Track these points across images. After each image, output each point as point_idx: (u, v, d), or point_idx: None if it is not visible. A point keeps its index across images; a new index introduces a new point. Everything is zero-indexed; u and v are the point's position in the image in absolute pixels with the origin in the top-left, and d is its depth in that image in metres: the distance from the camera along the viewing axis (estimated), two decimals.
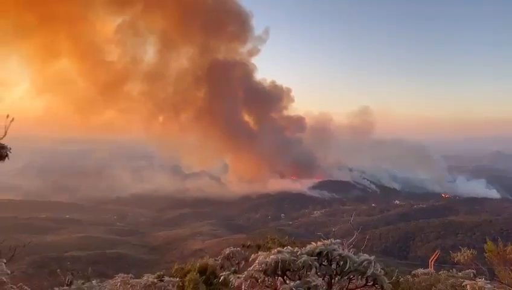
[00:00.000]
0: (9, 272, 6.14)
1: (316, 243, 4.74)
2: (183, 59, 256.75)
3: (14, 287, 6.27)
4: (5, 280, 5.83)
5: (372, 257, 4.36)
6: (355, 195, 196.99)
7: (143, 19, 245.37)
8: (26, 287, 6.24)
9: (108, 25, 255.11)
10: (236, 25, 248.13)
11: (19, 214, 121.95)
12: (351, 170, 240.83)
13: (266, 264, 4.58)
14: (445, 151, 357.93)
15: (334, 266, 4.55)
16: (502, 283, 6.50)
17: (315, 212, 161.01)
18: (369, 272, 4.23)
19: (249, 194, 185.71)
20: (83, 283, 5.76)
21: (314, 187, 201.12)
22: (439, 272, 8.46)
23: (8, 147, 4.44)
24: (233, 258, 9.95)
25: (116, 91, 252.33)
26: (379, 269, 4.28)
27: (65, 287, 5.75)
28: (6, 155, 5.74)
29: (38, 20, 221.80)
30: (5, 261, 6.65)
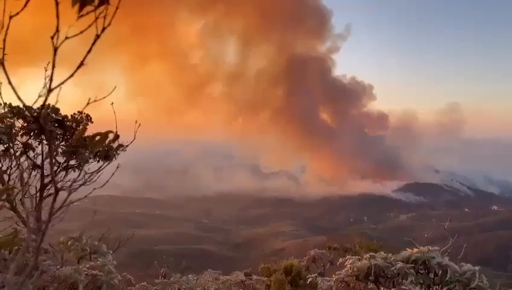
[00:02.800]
0: (115, 262, 6.76)
1: (412, 249, 4.52)
2: (262, 58, 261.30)
3: (119, 276, 6.89)
4: (112, 269, 6.44)
5: (477, 268, 4.04)
6: (445, 199, 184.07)
7: (224, 21, 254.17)
8: (129, 276, 6.84)
9: (192, 30, 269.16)
10: (316, 22, 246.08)
11: (117, 209, 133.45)
12: (438, 171, 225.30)
13: (359, 269, 4.48)
14: None
15: (432, 275, 4.30)
16: None
17: (401, 216, 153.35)
18: (473, 284, 3.93)
19: (329, 195, 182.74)
20: (180, 277, 6.15)
21: (399, 190, 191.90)
22: None
23: (124, 148, 4.73)
24: (319, 261, 9.86)
25: (200, 93, 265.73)
26: (484, 281, 3.96)
27: (164, 280, 6.19)
28: (114, 156, 6.31)
29: (132, 29, 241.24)
30: (111, 252, 7.34)
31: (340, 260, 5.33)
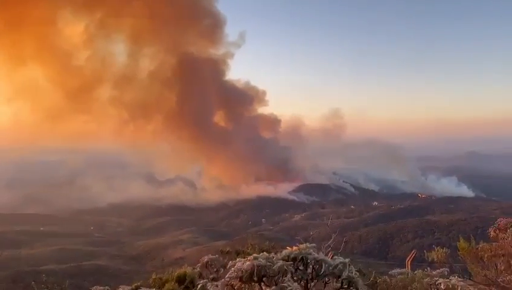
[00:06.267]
0: None
1: (292, 247, 4.74)
2: (154, 60, 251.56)
3: None
4: None
5: (347, 260, 4.38)
6: (334, 198, 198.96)
7: (112, 19, 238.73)
8: None
9: (77, 29, 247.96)
10: (210, 25, 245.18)
11: None
12: (326, 172, 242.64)
13: (242, 271, 4.55)
14: (424, 152, 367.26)
15: (309, 270, 4.55)
16: (475, 281, 6.66)
17: (295, 216, 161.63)
18: (344, 275, 4.26)
19: (227, 200, 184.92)
20: None
21: (293, 191, 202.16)
22: (415, 272, 8.59)
23: None
24: (212, 266, 9.84)
25: (86, 97, 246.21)
26: (353, 272, 4.31)
27: None
28: None
29: (6, 25, 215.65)
30: None
31: (230, 263, 5.37)
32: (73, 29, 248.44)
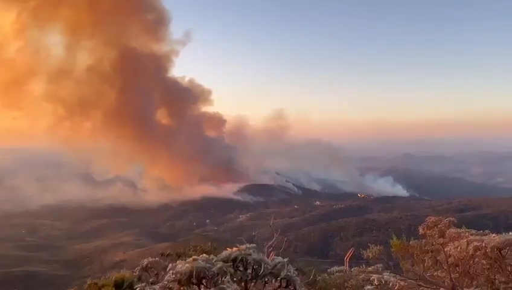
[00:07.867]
0: None
1: (232, 248, 4.72)
2: (93, 54, 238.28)
3: None
4: None
5: (286, 259, 4.44)
6: (278, 198, 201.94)
7: (47, 7, 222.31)
8: None
9: (8, 17, 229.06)
10: (154, 20, 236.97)
11: None
12: (270, 173, 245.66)
13: (181, 274, 4.45)
14: (363, 153, 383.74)
15: (249, 270, 4.55)
16: (405, 276, 7.04)
17: (240, 216, 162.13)
18: (282, 274, 4.31)
19: (170, 200, 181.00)
20: None
21: (238, 191, 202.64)
22: (352, 269, 8.95)
23: None
24: (152, 269, 9.56)
25: (17, 92, 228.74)
26: (292, 271, 4.38)
27: None
28: None
29: None
30: None
31: (170, 265, 5.24)
32: (4, 18, 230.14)
